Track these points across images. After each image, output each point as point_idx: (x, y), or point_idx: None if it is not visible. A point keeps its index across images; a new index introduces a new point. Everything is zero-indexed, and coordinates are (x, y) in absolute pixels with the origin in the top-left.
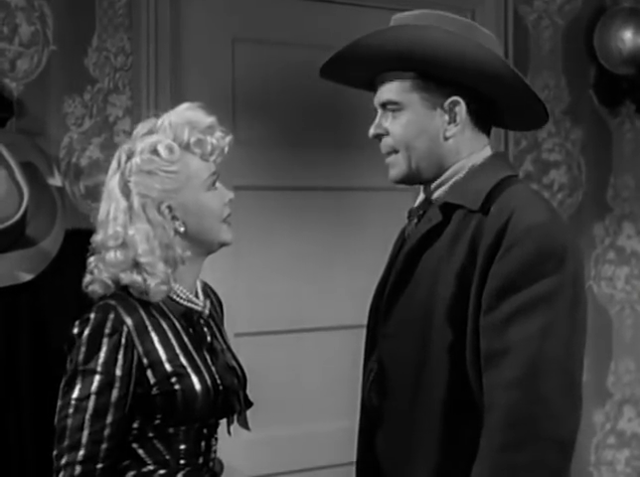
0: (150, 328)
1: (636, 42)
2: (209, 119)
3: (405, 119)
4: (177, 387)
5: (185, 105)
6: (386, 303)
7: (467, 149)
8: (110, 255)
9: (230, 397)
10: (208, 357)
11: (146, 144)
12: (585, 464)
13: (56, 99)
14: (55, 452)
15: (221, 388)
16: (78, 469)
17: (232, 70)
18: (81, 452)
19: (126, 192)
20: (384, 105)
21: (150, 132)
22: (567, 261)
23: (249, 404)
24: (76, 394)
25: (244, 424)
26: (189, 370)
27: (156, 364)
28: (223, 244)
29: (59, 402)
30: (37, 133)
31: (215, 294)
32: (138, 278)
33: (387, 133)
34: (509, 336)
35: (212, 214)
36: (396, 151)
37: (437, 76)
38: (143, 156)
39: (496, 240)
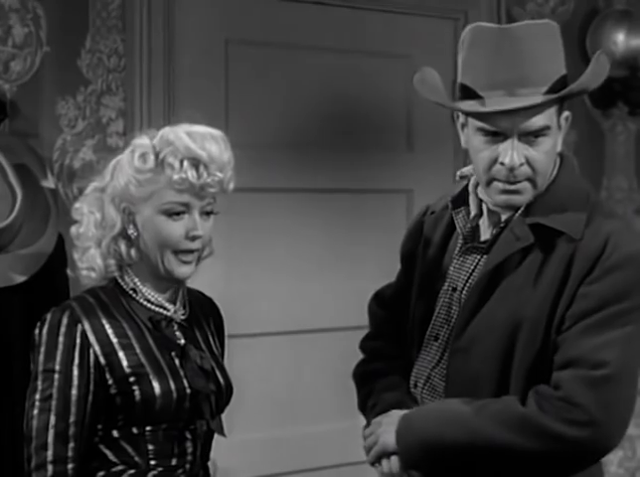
0: (108, 328)
1: (628, 44)
2: (199, 152)
3: (549, 145)
4: (135, 387)
5: (195, 128)
6: (462, 318)
7: None
8: (72, 228)
9: (199, 401)
10: (177, 360)
11: (136, 143)
12: None
13: (49, 101)
14: (25, 455)
15: (188, 391)
16: (50, 470)
17: (225, 71)
18: (49, 452)
19: (113, 174)
20: (531, 133)
21: (149, 136)
22: None
23: (220, 410)
24: (39, 394)
25: (219, 430)
26: (149, 370)
27: (114, 364)
28: (171, 276)
29: (26, 405)
30: (30, 135)
31: (210, 302)
32: (75, 256)
33: (526, 162)
34: (605, 337)
35: (162, 239)
36: (529, 179)
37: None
38: (128, 154)
39: (592, 264)
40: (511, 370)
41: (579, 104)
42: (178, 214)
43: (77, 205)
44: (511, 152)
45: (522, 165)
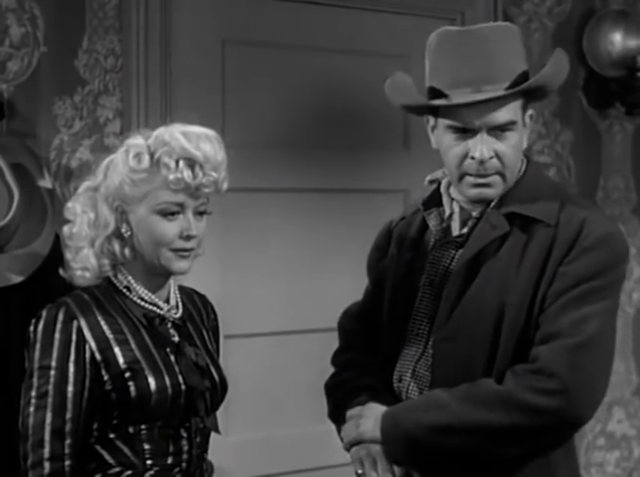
0: (104, 324)
1: (625, 44)
2: (195, 152)
3: (516, 139)
4: (130, 382)
5: (190, 128)
6: (446, 306)
7: None
8: (64, 228)
9: (194, 398)
10: (172, 356)
11: (131, 143)
12: None
13: (46, 101)
14: (21, 453)
15: (183, 387)
16: (47, 467)
17: (221, 71)
18: (46, 449)
19: (106, 173)
20: (498, 126)
21: (144, 136)
22: (626, 267)
23: (215, 408)
24: (34, 391)
25: (214, 427)
26: (144, 366)
27: (109, 359)
28: (169, 271)
29: (21, 402)
30: (27, 135)
31: (203, 300)
32: (68, 256)
33: (497, 155)
34: (583, 311)
35: (156, 239)
36: (499, 173)
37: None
38: (122, 153)
39: (569, 246)
40: (497, 353)
41: (576, 104)
42: (172, 214)
43: (69, 204)
44: (480, 146)
45: (491, 158)
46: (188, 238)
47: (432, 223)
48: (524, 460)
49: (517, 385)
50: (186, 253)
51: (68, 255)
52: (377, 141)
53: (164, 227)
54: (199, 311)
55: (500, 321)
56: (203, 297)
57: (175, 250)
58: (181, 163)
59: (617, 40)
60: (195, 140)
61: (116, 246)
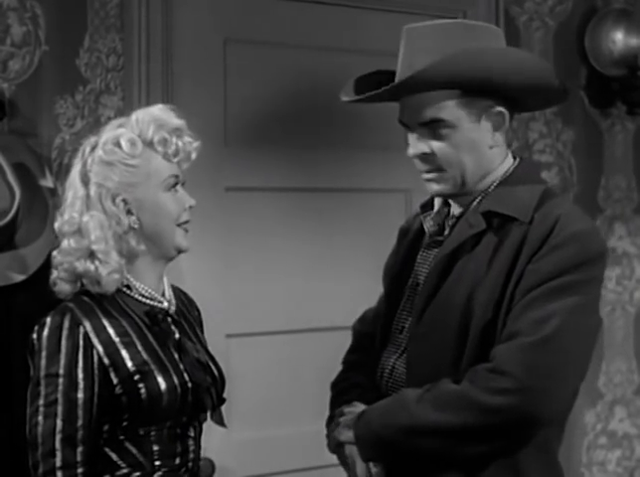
0: (109, 328)
1: (627, 43)
2: (177, 121)
3: (456, 138)
4: (141, 385)
5: (158, 106)
6: (420, 303)
7: (502, 156)
8: (65, 243)
9: (200, 395)
10: (175, 354)
11: (110, 136)
12: (577, 465)
13: (47, 100)
14: (30, 462)
15: (190, 385)
16: (59, 476)
17: (223, 70)
18: (58, 458)
19: (85, 181)
20: (426, 124)
21: (119, 126)
22: (603, 267)
23: (222, 401)
24: (42, 400)
25: (220, 421)
26: (153, 367)
27: (118, 363)
28: (178, 250)
29: (28, 411)
30: (29, 134)
31: (186, 296)
32: (91, 267)
33: (432, 152)
34: (547, 309)
35: (167, 215)
36: (441, 169)
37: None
38: (106, 147)
39: (540, 244)
40: (464, 351)
41: (577, 103)
42: (174, 186)
43: (65, 217)
44: (412, 142)
45: (426, 154)
46: (190, 208)
47: (427, 225)
48: (490, 459)
49: (472, 384)
50: (188, 228)
51: (95, 264)
52: (379, 141)
53: (172, 201)
54: (186, 307)
55: (468, 319)
56: (185, 294)
57: (181, 225)
58: (173, 135)
59: (619, 39)
60: (169, 113)
61: (132, 241)
